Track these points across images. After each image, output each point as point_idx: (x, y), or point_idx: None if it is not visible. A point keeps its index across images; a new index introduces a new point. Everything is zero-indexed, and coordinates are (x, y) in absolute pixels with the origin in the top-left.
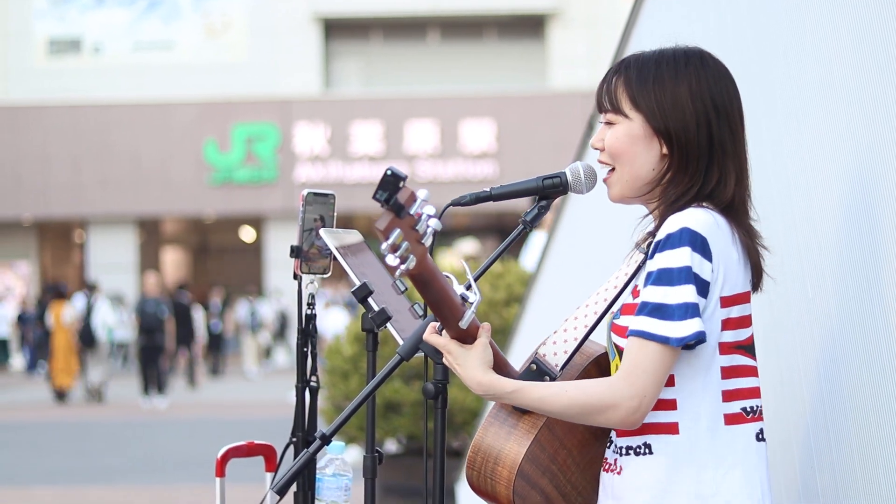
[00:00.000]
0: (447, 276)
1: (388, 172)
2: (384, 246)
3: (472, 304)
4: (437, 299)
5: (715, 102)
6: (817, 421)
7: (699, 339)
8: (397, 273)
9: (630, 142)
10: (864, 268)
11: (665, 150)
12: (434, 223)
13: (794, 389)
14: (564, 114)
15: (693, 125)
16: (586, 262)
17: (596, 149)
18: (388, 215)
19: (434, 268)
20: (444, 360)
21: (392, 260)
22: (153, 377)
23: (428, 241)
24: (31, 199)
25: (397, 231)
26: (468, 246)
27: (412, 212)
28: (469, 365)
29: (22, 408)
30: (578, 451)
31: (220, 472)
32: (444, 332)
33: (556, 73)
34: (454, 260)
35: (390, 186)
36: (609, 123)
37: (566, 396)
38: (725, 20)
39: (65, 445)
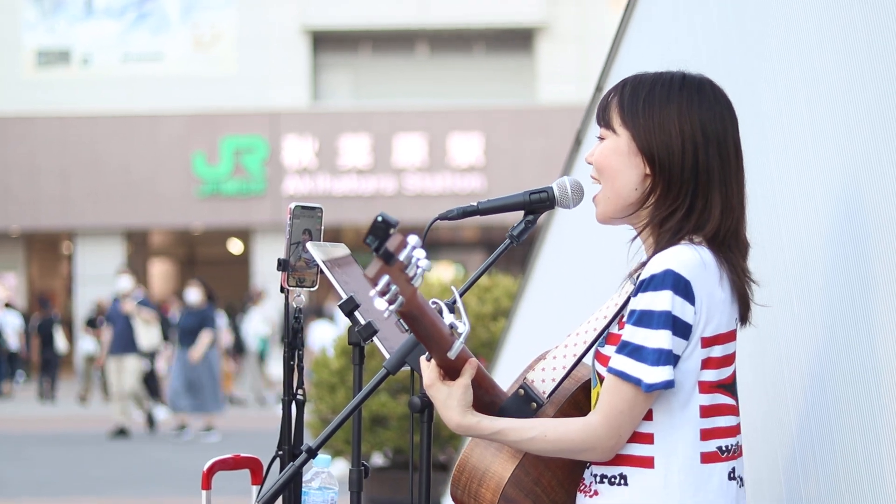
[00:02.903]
0: (435, 303)
1: (379, 219)
2: (373, 292)
3: (461, 334)
4: (426, 334)
5: (705, 129)
6: (802, 437)
7: (667, 387)
8: (385, 314)
9: (615, 157)
10: (850, 287)
11: (648, 171)
12: (424, 264)
13: (779, 406)
14: (553, 128)
15: (678, 149)
16: (573, 276)
17: (589, 163)
18: (377, 262)
19: (423, 303)
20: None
21: (381, 304)
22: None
23: (418, 282)
24: (19, 211)
25: (386, 277)
26: (448, 272)
27: (402, 258)
28: (449, 406)
29: (10, 419)
30: (563, 472)
31: (207, 484)
32: (431, 360)
33: (544, 87)
34: (442, 275)
35: (380, 233)
36: (601, 139)
37: (545, 441)
38: (715, 37)
39: (53, 457)
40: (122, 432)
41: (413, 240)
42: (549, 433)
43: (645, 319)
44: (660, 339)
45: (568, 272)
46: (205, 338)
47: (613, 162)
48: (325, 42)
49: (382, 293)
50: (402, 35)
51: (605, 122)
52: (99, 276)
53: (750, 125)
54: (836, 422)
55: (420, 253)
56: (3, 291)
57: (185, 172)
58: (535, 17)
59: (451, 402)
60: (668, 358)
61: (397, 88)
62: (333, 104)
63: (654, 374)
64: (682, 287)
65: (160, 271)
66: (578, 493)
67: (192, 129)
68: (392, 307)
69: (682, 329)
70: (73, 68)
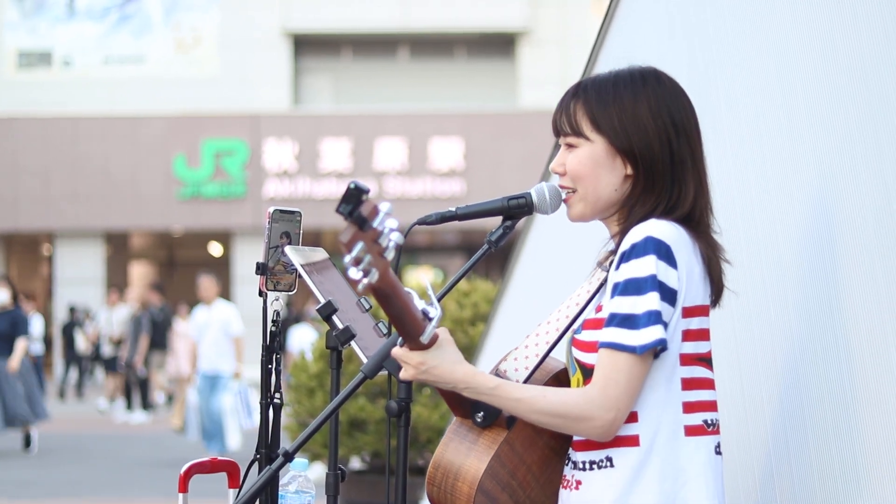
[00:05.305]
0: (409, 292)
1: (352, 186)
2: (347, 259)
3: (432, 318)
4: (398, 314)
5: (674, 119)
6: (776, 432)
7: (661, 345)
8: (359, 286)
9: (593, 164)
10: (824, 282)
11: (629, 171)
12: (396, 237)
13: (754, 401)
14: (533, 133)
15: (656, 143)
16: (551, 281)
17: (556, 173)
18: (351, 228)
19: (396, 282)
20: (409, 376)
21: (355, 273)
22: (140, 392)
23: (390, 255)
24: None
25: (360, 244)
26: (428, 276)
27: (375, 225)
28: (446, 360)
29: None
30: (538, 467)
31: (184, 487)
32: (404, 346)
33: (525, 91)
34: (420, 278)
35: (353, 199)
36: (570, 146)
37: (545, 401)
38: (693, 40)
39: (28, 458)
40: None
41: (385, 206)
42: (548, 393)
43: (631, 287)
44: (648, 301)
45: (546, 277)
46: (20, 345)
47: (593, 168)
48: (307, 45)
49: (356, 262)
50: (383, 39)
51: (572, 129)
52: (78, 278)
53: (727, 130)
54: (809, 412)
55: (392, 222)
56: None
57: (166, 175)
58: (516, 22)
59: (448, 357)
60: (657, 318)
61: (378, 92)
62: (314, 108)
63: (643, 336)
64: (664, 251)
65: (140, 274)
66: (561, 489)
67: (172, 131)
68: (366, 280)
69: (668, 294)
70: (55, 70)
